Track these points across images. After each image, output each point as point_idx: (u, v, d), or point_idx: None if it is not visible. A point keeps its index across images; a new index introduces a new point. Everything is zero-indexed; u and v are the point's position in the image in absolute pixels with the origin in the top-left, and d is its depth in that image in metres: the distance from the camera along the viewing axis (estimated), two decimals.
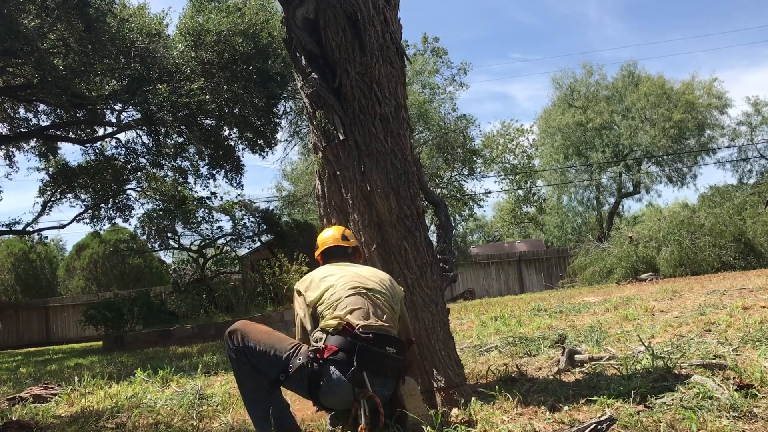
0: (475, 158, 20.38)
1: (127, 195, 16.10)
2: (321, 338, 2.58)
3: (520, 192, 26.42)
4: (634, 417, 2.40)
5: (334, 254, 3.10)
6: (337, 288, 2.72)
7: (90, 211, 15.75)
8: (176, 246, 17.64)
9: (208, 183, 14.93)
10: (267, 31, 12.43)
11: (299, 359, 2.54)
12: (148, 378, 5.09)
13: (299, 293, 2.86)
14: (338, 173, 3.29)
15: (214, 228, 17.33)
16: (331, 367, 2.48)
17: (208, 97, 12.17)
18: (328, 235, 3.16)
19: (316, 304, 2.73)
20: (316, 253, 3.19)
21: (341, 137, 3.25)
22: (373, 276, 2.84)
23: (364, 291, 2.71)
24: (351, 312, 2.60)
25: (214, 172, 14.22)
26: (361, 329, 2.53)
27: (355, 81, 3.25)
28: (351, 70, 3.25)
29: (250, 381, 2.68)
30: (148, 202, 16.69)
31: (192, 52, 12.27)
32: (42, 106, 14.25)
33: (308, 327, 2.76)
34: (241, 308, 12.79)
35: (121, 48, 11.58)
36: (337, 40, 3.25)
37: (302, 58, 3.41)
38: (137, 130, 13.89)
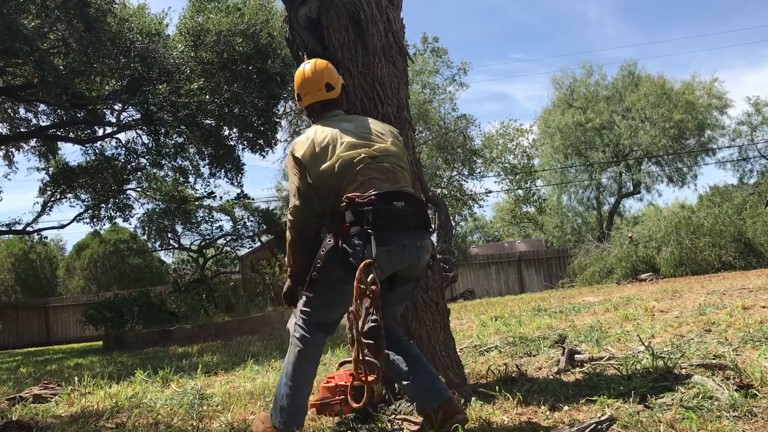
0: (475, 158, 20.39)
1: (127, 195, 16.13)
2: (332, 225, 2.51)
3: (520, 192, 26.42)
4: (634, 417, 2.40)
5: (327, 107, 2.78)
6: (340, 163, 2.50)
7: (90, 211, 15.76)
8: (176, 246, 17.67)
9: (208, 183, 14.96)
10: (267, 31, 12.43)
11: (318, 262, 2.49)
12: (148, 378, 5.09)
13: (297, 160, 2.58)
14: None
15: (214, 228, 17.36)
16: (353, 240, 2.39)
17: (208, 97, 12.17)
18: (309, 77, 2.76)
19: (317, 178, 2.53)
20: (301, 105, 2.85)
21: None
22: (376, 136, 2.62)
23: (370, 161, 2.52)
24: (357, 188, 2.46)
25: (214, 171, 14.23)
26: (363, 198, 2.42)
27: (357, 81, 3.25)
28: (353, 70, 3.25)
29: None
30: (148, 202, 16.72)
31: (192, 52, 12.27)
32: (42, 106, 14.25)
33: (307, 195, 2.55)
34: (241, 308, 12.79)
35: (121, 48, 11.58)
36: (340, 40, 3.25)
37: (304, 57, 3.42)
38: (137, 130, 13.90)
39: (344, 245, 2.42)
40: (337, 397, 2.97)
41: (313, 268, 2.53)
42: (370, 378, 2.92)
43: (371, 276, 2.27)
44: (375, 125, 2.72)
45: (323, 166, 2.51)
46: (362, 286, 2.28)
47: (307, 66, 2.80)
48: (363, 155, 2.52)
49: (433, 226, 2.76)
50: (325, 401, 3.02)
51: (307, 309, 2.62)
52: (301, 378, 2.59)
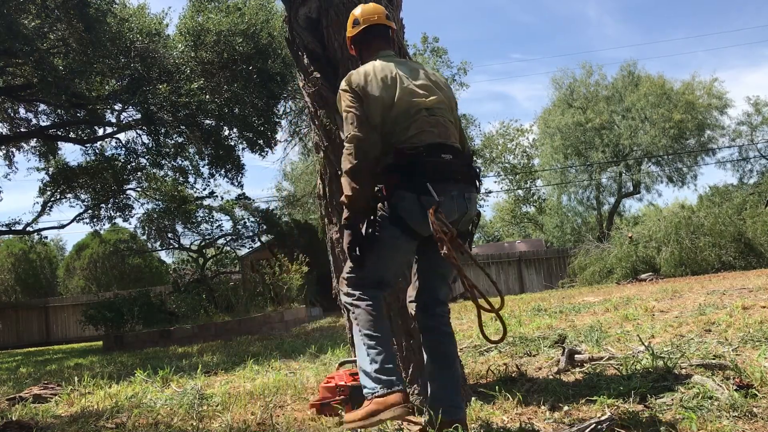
0: (475, 158, 20.42)
1: (127, 195, 16.13)
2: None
3: (520, 192, 26.43)
4: (634, 417, 2.40)
5: (380, 35, 2.71)
6: (396, 109, 2.47)
7: (90, 211, 15.76)
8: (176, 246, 17.67)
9: (208, 183, 14.96)
10: (267, 31, 12.43)
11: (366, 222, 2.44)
12: (148, 378, 5.09)
13: (354, 91, 2.50)
14: (340, 173, 3.29)
15: (214, 228, 17.36)
16: (402, 192, 2.39)
17: (208, 97, 12.17)
18: (369, 9, 2.73)
19: (371, 115, 2.47)
20: (354, 31, 2.74)
21: (343, 137, 3.25)
22: (432, 86, 2.58)
23: (425, 113, 2.49)
24: (408, 139, 2.45)
25: (214, 171, 14.23)
26: (412, 149, 2.42)
27: None
28: (353, 70, 3.25)
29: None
30: (148, 202, 16.72)
31: (192, 52, 12.27)
32: (42, 106, 14.26)
33: (375, 139, 2.46)
34: (241, 308, 12.79)
35: (121, 48, 11.58)
36: (339, 40, 3.25)
37: (304, 57, 3.41)
38: (137, 130, 13.91)
39: (392, 199, 2.42)
40: (337, 397, 2.97)
41: (366, 224, 2.47)
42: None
43: (441, 220, 2.28)
44: (429, 74, 2.67)
45: (380, 104, 2.47)
46: (443, 228, 2.27)
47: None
48: (420, 106, 2.49)
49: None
50: (325, 401, 3.02)
51: (358, 271, 2.53)
52: (379, 335, 2.46)
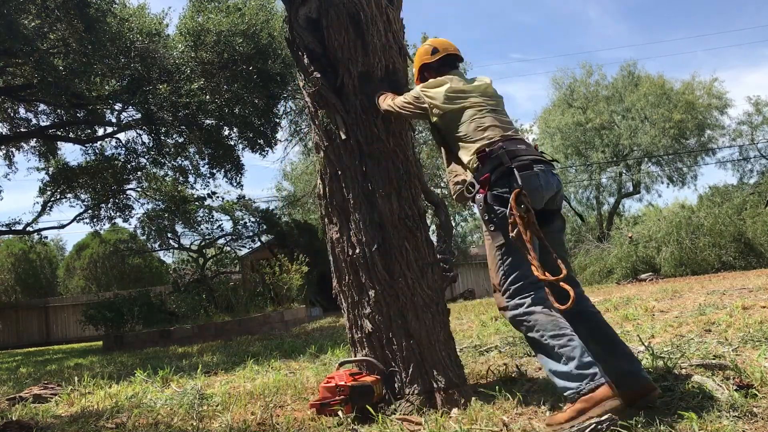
0: None
1: (127, 195, 16.12)
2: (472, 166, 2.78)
3: None
4: (635, 417, 2.39)
5: (451, 64, 3.13)
6: (476, 112, 2.84)
7: (90, 211, 15.76)
8: (176, 246, 17.67)
9: (208, 183, 14.96)
10: (267, 32, 12.43)
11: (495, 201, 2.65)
12: (148, 378, 5.09)
13: (431, 94, 2.91)
14: (340, 173, 3.29)
15: (214, 228, 17.35)
16: (500, 182, 2.65)
17: (208, 97, 12.17)
18: (445, 42, 3.16)
19: (447, 115, 2.88)
20: (432, 59, 3.11)
21: (343, 137, 3.25)
22: (493, 93, 2.97)
23: (494, 111, 2.87)
24: (483, 136, 2.78)
25: (214, 171, 14.23)
26: (493, 145, 2.73)
27: (357, 81, 3.24)
28: (353, 70, 3.25)
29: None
30: (148, 202, 16.71)
31: (192, 52, 12.27)
32: (42, 106, 14.25)
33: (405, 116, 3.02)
34: (241, 308, 12.78)
35: (121, 48, 11.57)
36: (340, 40, 3.25)
37: (305, 57, 3.41)
38: (137, 130, 13.89)
39: (493, 193, 2.64)
40: (337, 398, 2.97)
41: (499, 227, 2.63)
42: (370, 378, 2.94)
43: (523, 206, 2.48)
44: (477, 79, 3.03)
45: (454, 107, 2.84)
46: (522, 215, 2.46)
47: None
48: (482, 99, 2.86)
49: (433, 227, 2.85)
50: (325, 401, 3.02)
51: (513, 274, 2.61)
52: (566, 331, 2.47)
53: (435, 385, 3.00)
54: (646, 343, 3.80)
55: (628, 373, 2.54)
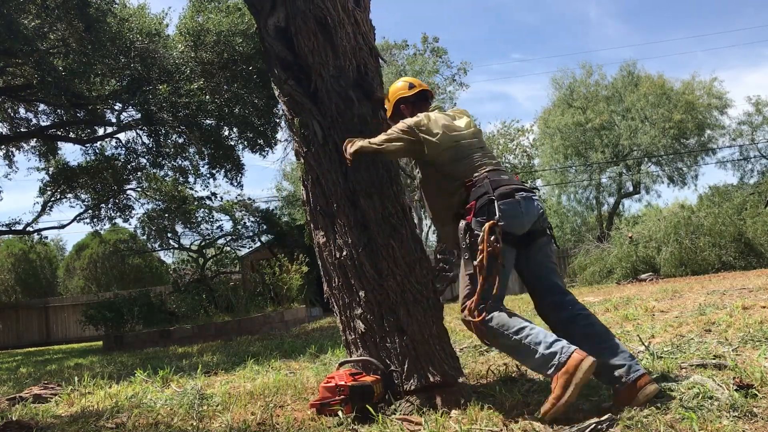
0: None
1: (127, 195, 16.09)
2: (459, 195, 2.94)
3: None
4: (634, 417, 2.40)
5: (426, 99, 3.26)
6: (467, 150, 2.98)
7: (90, 211, 15.74)
8: (176, 246, 17.63)
9: (208, 183, 14.94)
10: None
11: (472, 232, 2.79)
12: (148, 378, 5.09)
13: (425, 128, 2.96)
14: (321, 177, 3.32)
15: (214, 228, 17.33)
16: (484, 210, 2.78)
17: (208, 97, 12.16)
18: (416, 79, 3.29)
19: (434, 153, 2.97)
20: (410, 92, 3.22)
21: (321, 141, 3.28)
22: (476, 129, 3.13)
23: (481, 148, 3.04)
24: (469, 169, 2.93)
25: (214, 171, 14.22)
26: (479, 176, 2.90)
27: (330, 85, 3.27)
28: (325, 74, 3.28)
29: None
30: (148, 202, 16.68)
31: (192, 53, 12.26)
32: (42, 106, 14.23)
33: (397, 156, 3.10)
34: (241, 308, 12.78)
35: (121, 48, 11.56)
36: (309, 46, 3.28)
37: (277, 66, 3.46)
38: (137, 130, 13.87)
39: (477, 219, 2.77)
40: (337, 398, 2.97)
41: (471, 250, 2.78)
42: (370, 378, 2.94)
43: (494, 237, 2.65)
44: (456, 113, 3.18)
45: (443, 146, 2.94)
46: (488, 246, 2.63)
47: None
48: (468, 140, 2.99)
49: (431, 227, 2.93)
50: (325, 401, 3.02)
51: (480, 295, 2.76)
52: (521, 324, 2.69)
53: (431, 379, 3.02)
54: (646, 343, 3.81)
55: (625, 368, 2.60)
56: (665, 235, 14.08)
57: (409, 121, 3.01)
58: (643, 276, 13.13)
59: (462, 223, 2.85)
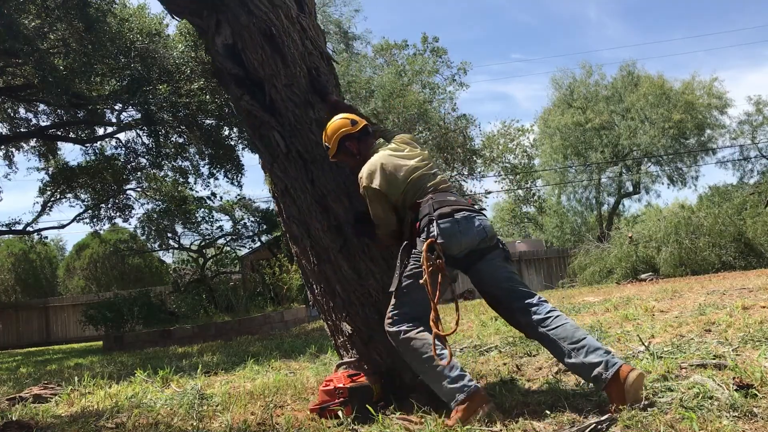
0: (475, 158, 20.38)
1: (127, 195, 16.11)
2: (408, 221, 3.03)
3: (520, 192, 26.40)
4: (634, 417, 2.40)
5: (368, 132, 3.27)
6: (408, 184, 3.02)
7: (90, 211, 15.74)
8: (176, 246, 17.64)
9: (208, 183, 14.95)
10: None
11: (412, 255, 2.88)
12: (148, 378, 5.09)
13: (376, 190, 3.01)
14: (289, 187, 3.33)
15: (214, 228, 17.34)
16: (427, 229, 2.84)
17: (208, 97, 12.16)
18: (350, 116, 3.23)
19: (393, 197, 3.03)
20: (354, 129, 3.19)
21: (284, 151, 3.30)
22: (411, 150, 3.14)
23: (423, 174, 3.05)
24: (419, 197, 2.99)
25: (214, 171, 14.23)
26: (423, 198, 2.97)
27: (284, 94, 3.27)
28: (278, 84, 3.28)
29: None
30: (148, 202, 16.70)
31: (192, 53, 12.26)
32: (42, 106, 14.24)
33: (392, 218, 3.07)
34: (241, 308, 12.79)
35: (121, 48, 11.56)
36: (258, 59, 3.28)
37: (231, 83, 3.47)
38: (137, 130, 13.88)
39: (420, 239, 2.84)
40: (336, 400, 2.97)
41: (404, 268, 2.88)
42: (368, 378, 2.95)
43: (435, 252, 2.71)
44: (404, 141, 3.22)
45: (395, 188, 3.00)
46: (429, 263, 2.68)
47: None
48: (419, 171, 3.03)
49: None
50: (324, 405, 3.02)
51: (403, 305, 2.87)
52: (428, 355, 2.73)
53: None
54: (646, 343, 3.81)
55: (602, 365, 2.60)
56: (665, 235, 14.07)
57: (363, 182, 3.05)
58: (643, 276, 13.12)
59: (404, 243, 2.95)
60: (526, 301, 2.83)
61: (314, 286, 3.36)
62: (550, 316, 2.77)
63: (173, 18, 10.64)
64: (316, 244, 3.26)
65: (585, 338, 2.69)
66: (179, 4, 3.59)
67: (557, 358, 2.82)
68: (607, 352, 2.65)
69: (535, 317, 2.78)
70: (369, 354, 3.19)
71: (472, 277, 2.95)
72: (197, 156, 14.60)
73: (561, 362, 2.80)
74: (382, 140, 3.28)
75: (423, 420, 2.75)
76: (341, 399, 2.94)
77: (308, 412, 3.14)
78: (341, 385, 2.99)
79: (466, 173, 20.57)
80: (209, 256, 17.70)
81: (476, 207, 3.03)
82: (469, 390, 2.61)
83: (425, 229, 2.84)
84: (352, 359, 3.26)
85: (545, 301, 2.87)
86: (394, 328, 2.83)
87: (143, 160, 14.72)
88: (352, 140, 3.19)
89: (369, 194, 3.03)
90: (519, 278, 2.99)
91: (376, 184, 3.00)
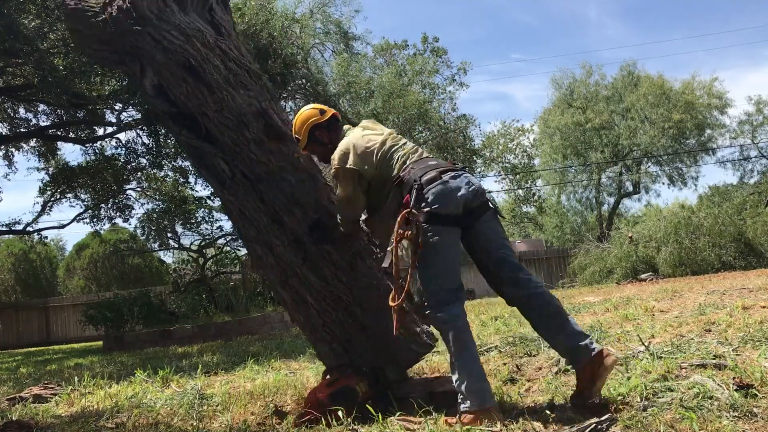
0: (475, 158, 20.37)
1: (127, 195, 16.11)
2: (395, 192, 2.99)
3: (520, 192, 26.41)
4: (635, 417, 2.40)
5: (337, 121, 3.32)
6: (373, 157, 3.03)
7: (90, 211, 15.74)
8: (176, 246, 17.62)
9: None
10: (267, 32, 12.42)
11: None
12: (148, 378, 5.09)
13: (349, 169, 3.02)
14: (242, 209, 3.36)
15: (214, 228, 17.33)
16: (418, 197, 2.81)
17: None
18: (319, 106, 3.34)
19: (369, 174, 3.05)
20: (323, 118, 3.25)
21: (230, 175, 3.32)
22: (384, 132, 3.18)
23: (388, 147, 3.07)
24: (399, 169, 2.99)
25: None
26: (405, 169, 2.95)
27: (217, 120, 3.28)
28: (209, 112, 3.28)
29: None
30: (148, 202, 16.70)
31: None
32: (42, 106, 14.24)
33: (362, 199, 3.09)
34: (241, 308, 12.77)
35: None
36: (184, 93, 3.28)
37: (168, 121, 3.50)
38: (137, 130, 13.89)
39: (413, 210, 2.77)
40: (319, 410, 2.98)
41: (411, 241, 2.77)
42: (352, 379, 2.97)
43: (410, 223, 2.71)
44: (371, 123, 3.30)
45: (369, 164, 3.02)
46: (400, 231, 2.70)
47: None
48: (388, 143, 3.06)
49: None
50: (311, 416, 3.01)
51: (429, 284, 2.81)
52: (466, 353, 2.72)
53: (403, 363, 3.19)
54: (646, 343, 3.81)
55: (581, 348, 2.69)
56: (665, 235, 14.07)
57: (335, 164, 3.06)
58: (643, 276, 13.12)
59: (399, 219, 2.86)
60: (515, 275, 2.87)
61: (288, 302, 3.40)
62: (536, 293, 2.84)
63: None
64: (280, 260, 3.30)
65: (569, 316, 2.80)
66: (102, 57, 3.61)
67: (539, 334, 2.93)
68: (586, 336, 2.74)
69: (521, 292, 2.85)
70: (350, 357, 3.22)
71: (466, 241, 2.91)
72: None
73: (542, 337, 2.93)
74: (348, 126, 3.33)
75: (423, 420, 2.75)
76: (326, 408, 2.94)
77: (307, 407, 3.14)
78: (321, 395, 3.03)
79: None
80: (209, 256, 17.68)
81: (458, 165, 3.03)
82: (484, 404, 2.62)
83: (417, 197, 2.80)
84: (335, 365, 3.28)
85: (530, 277, 2.92)
86: (438, 314, 2.78)
87: (143, 160, 14.73)
88: (321, 129, 3.24)
89: (341, 175, 3.04)
90: (510, 247, 3.01)
91: (350, 163, 3.02)
